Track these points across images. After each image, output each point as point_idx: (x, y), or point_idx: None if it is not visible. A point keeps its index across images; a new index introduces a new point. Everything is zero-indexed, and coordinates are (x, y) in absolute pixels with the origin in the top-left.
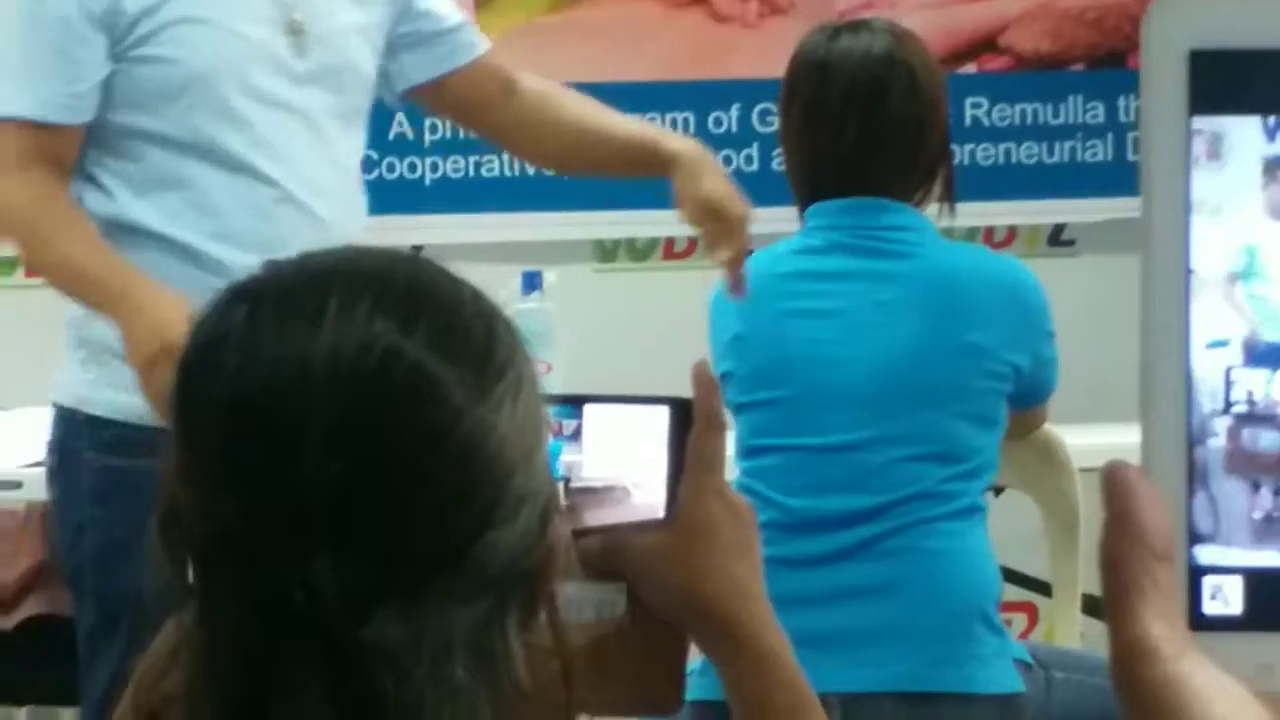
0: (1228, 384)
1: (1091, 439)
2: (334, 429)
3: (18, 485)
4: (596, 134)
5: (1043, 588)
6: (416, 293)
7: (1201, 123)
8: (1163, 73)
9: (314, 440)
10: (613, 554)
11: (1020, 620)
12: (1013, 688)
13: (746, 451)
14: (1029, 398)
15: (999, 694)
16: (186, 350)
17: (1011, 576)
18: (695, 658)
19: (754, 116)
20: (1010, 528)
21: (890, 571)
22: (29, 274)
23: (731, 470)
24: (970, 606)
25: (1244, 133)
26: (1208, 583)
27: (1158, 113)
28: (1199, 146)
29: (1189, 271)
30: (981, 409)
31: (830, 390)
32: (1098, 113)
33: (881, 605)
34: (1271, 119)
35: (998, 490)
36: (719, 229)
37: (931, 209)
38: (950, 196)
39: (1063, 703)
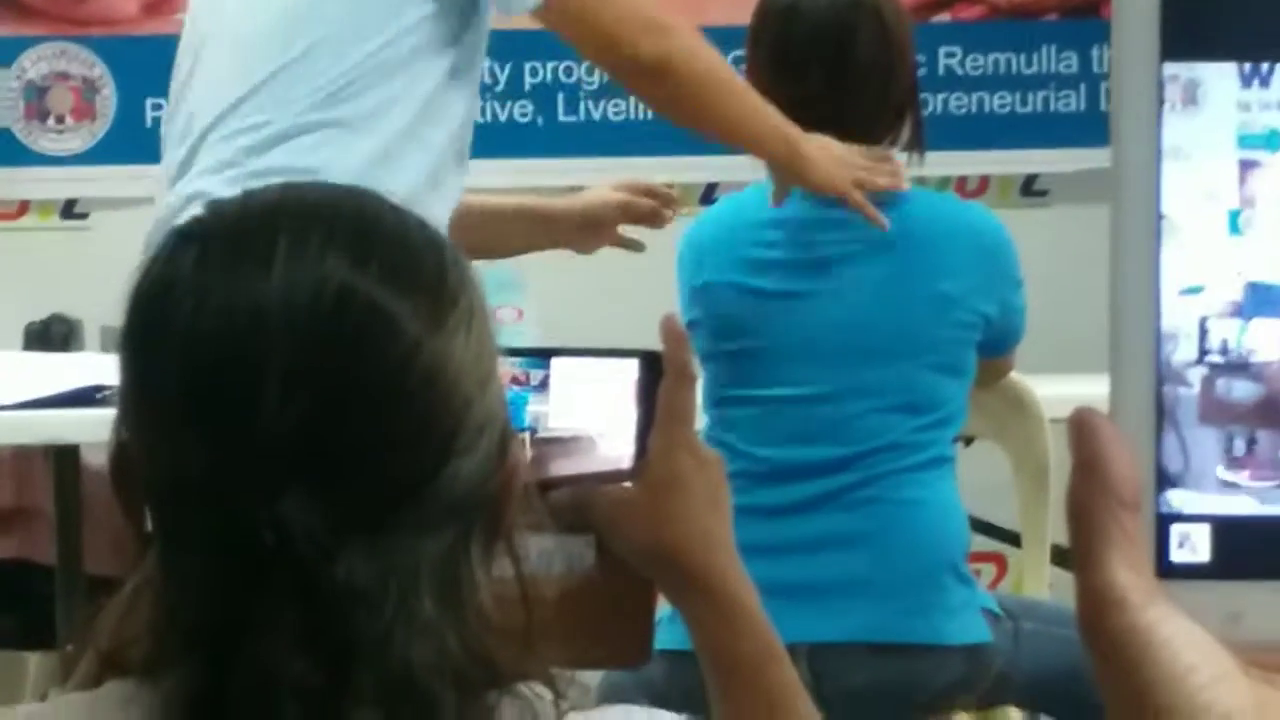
0: (1202, 332)
1: (1062, 389)
2: (292, 368)
3: None
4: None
5: (1012, 538)
6: (365, 227)
7: (1176, 69)
8: (1133, 17)
9: (273, 381)
10: (582, 507)
11: (989, 571)
12: (980, 638)
13: (716, 401)
14: (997, 345)
15: (967, 644)
16: (135, 295)
17: (980, 527)
18: (664, 607)
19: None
20: (980, 478)
21: (858, 522)
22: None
23: (700, 419)
24: (939, 557)
25: (1220, 79)
26: (1175, 530)
27: (1128, 58)
28: (1174, 93)
29: (1159, 218)
30: (950, 358)
31: (798, 341)
32: (1071, 63)
33: (849, 556)
34: (1247, 65)
35: (968, 440)
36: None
37: (900, 157)
38: (919, 144)
39: (1031, 653)
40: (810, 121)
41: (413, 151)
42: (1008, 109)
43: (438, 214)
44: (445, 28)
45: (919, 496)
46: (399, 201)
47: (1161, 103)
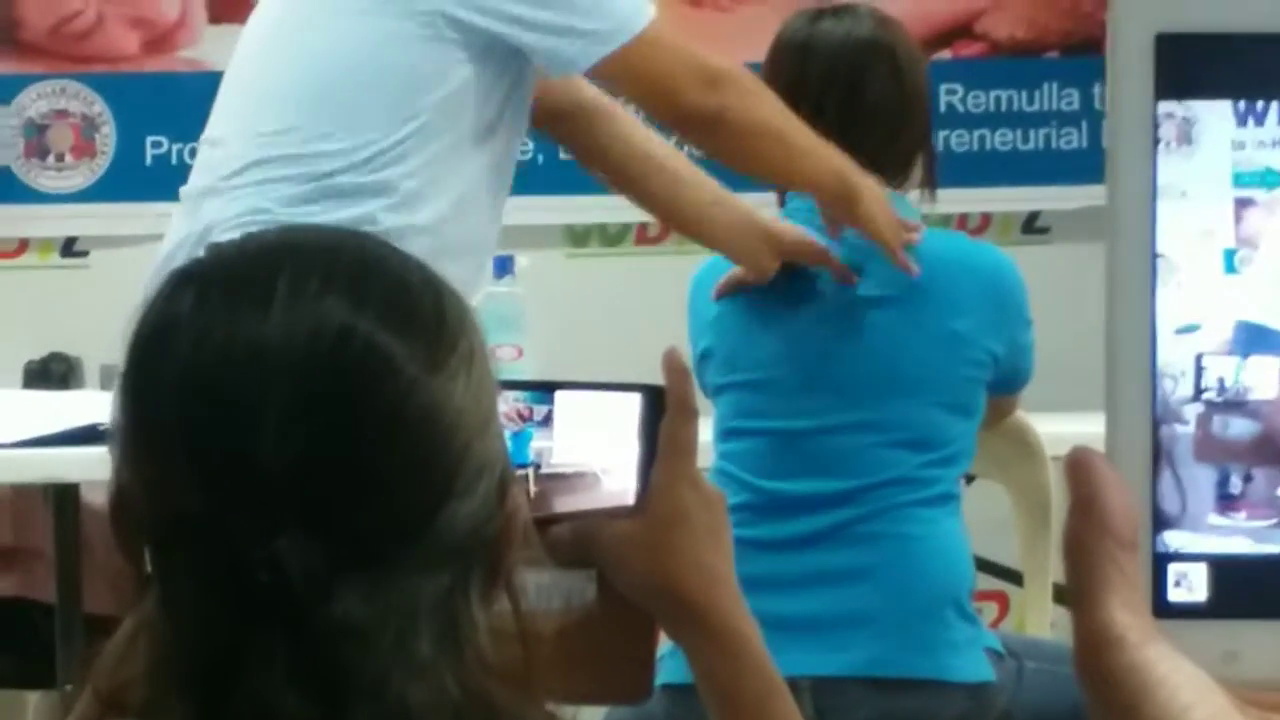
0: (1198, 370)
1: (1064, 427)
2: (290, 410)
3: None
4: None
5: (1014, 577)
6: (364, 268)
7: (1172, 107)
8: (1129, 57)
9: (271, 422)
10: (583, 542)
11: (991, 609)
12: (984, 677)
13: (724, 434)
14: (1005, 385)
15: (970, 682)
16: (135, 336)
17: (983, 565)
18: (665, 643)
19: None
20: (981, 516)
21: (863, 556)
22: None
23: (710, 453)
24: (943, 593)
25: (1215, 117)
26: (1173, 570)
27: (1124, 97)
28: (1170, 131)
29: (1155, 256)
30: (959, 397)
31: (807, 375)
32: (1072, 100)
33: (854, 590)
34: (1242, 103)
35: (969, 478)
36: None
37: (914, 195)
38: (932, 182)
39: (1034, 692)
40: None
41: (448, 208)
42: (1009, 146)
43: (461, 271)
44: (485, 91)
45: (924, 532)
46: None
47: (1157, 141)
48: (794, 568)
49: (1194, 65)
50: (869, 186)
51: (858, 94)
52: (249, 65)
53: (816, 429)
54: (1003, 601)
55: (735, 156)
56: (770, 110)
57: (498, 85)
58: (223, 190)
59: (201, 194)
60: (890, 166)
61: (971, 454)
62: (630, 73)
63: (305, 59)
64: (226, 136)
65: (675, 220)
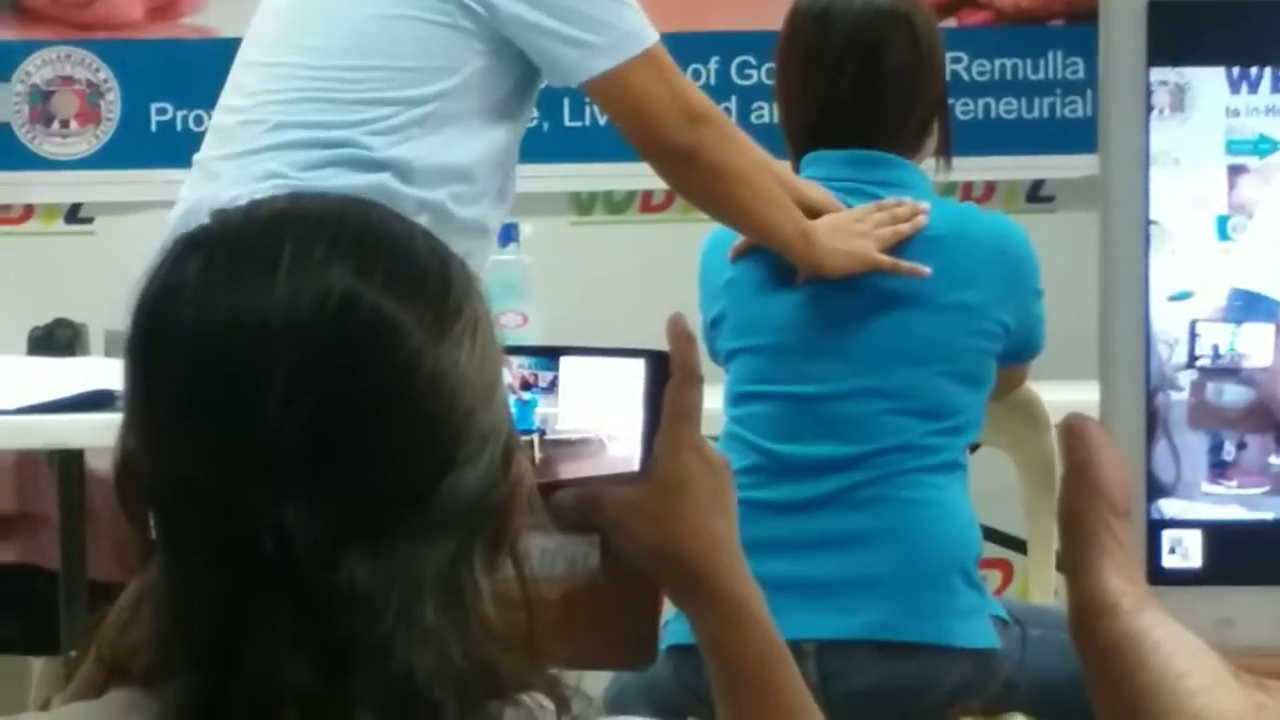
0: (1192, 337)
1: (1068, 395)
2: (296, 376)
3: None
4: None
5: (1018, 545)
6: (369, 236)
7: (1165, 74)
8: (1121, 23)
9: (277, 388)
10: (587, 507)
11: (995, 577)
12: (989, 643)
13: (736, 398)
14: (1015, 355)
15: (975, 649)
16: (141, 302)
17: (987, 533)
18: (670, 609)
19: (733, 69)
20: (986, 484)
21: (870, 520)
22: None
23: (721, 420)
24: (949, 560)
25: (1208, 84)
26: (1167, 536)
27: (1116, 64)
28: (1163, 98)
29: (1148, 224)
30: (969, 368)
31: (819, 341)
32: (1077, 68)
33: (860, 553)
34: (1236, 70)
35: (974, 447)
36: None
37: (928, 163)
38: (948, 152)
39: (1038, 660)
40: (839, 129)
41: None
42: (1014, 115)
43: (466, 248)
44: (498, 78)
45: (930, 498)
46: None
47: (1150, 109)
48: (802, 531)
49: (1186, 31)
50: (832, 230)
51: (877, 62)
52: (268, 39)
53: (827, 394)
54: (1006, 569)
55: (703, 197)
56: (745, 158)
57: (509, 75)
58: (241, 156)
59: (220, 159)
60: (906, 134)
61: (980, 424)
62: (619, 93)
63: (325, 35)
64: (245, 106)
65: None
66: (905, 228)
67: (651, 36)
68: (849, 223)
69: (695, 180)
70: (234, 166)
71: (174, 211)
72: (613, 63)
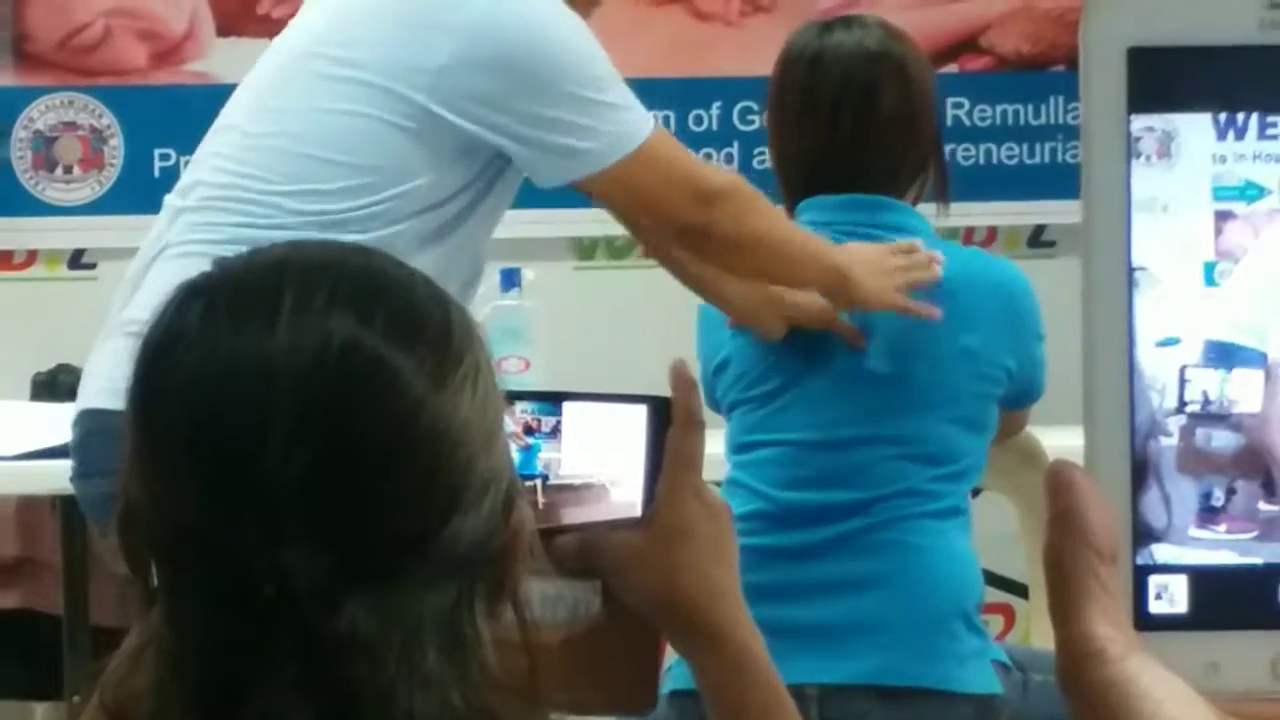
0: (1182, 382)
1: (1071, 440)
2: (297, 424)
3: None
4: None
5: (1019, 589)
6: (370, 283)
7: (1151, 120)
8: (1101, 70)
9: (278, 436)
10: (588, 552)
11: (997, 622)
12: (991, 689)
13: (738, 447)
14: (1017, 400)
15: (977, 694)
16: (142, 349)
17: (988, 578)
18: (672, 655)
19: (735, 115)
20: (987, 529)
21: (872, 565)
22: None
23: (723, 466)
24: (951, 604)
25: (1195, 131)
26: (1153, 582)
27: (1097, 110)
28: (1150, 145)
29: (1132, 269)
30: (971, 413)
31: (821, 388)
32: (1078, 114)
33: (862, 598)
34: (1222, 116)
35: (975, 491)
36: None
37: (929, 208)
38: (945, 194)
39: (1039, 705)
40: (835, 173)
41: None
42: (1015, 160)
43: None
44: (452, 185)
45: (932, 543)
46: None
47: (1132, 155)
48: (804, 576)
49: (1167, 78)
50: (860, 264)
51: (872, 105)
52: (238, 112)
53: (829, 440)
54: (1008, 614)
55: (723, 265)
56: (762, 221)
57: (468, 187)
58: (184, 213)
59: (176, 212)
60: (903, 177)
61: (982, 469)
62: (617, 188)
63: (290, 116)
64: (202, 176)
65: (682, 275)
66: (923, 275)
67: (647, 128)
68: (877, 258)
69: (713, 254)
70: (177, 228)
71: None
72: (607, 164)
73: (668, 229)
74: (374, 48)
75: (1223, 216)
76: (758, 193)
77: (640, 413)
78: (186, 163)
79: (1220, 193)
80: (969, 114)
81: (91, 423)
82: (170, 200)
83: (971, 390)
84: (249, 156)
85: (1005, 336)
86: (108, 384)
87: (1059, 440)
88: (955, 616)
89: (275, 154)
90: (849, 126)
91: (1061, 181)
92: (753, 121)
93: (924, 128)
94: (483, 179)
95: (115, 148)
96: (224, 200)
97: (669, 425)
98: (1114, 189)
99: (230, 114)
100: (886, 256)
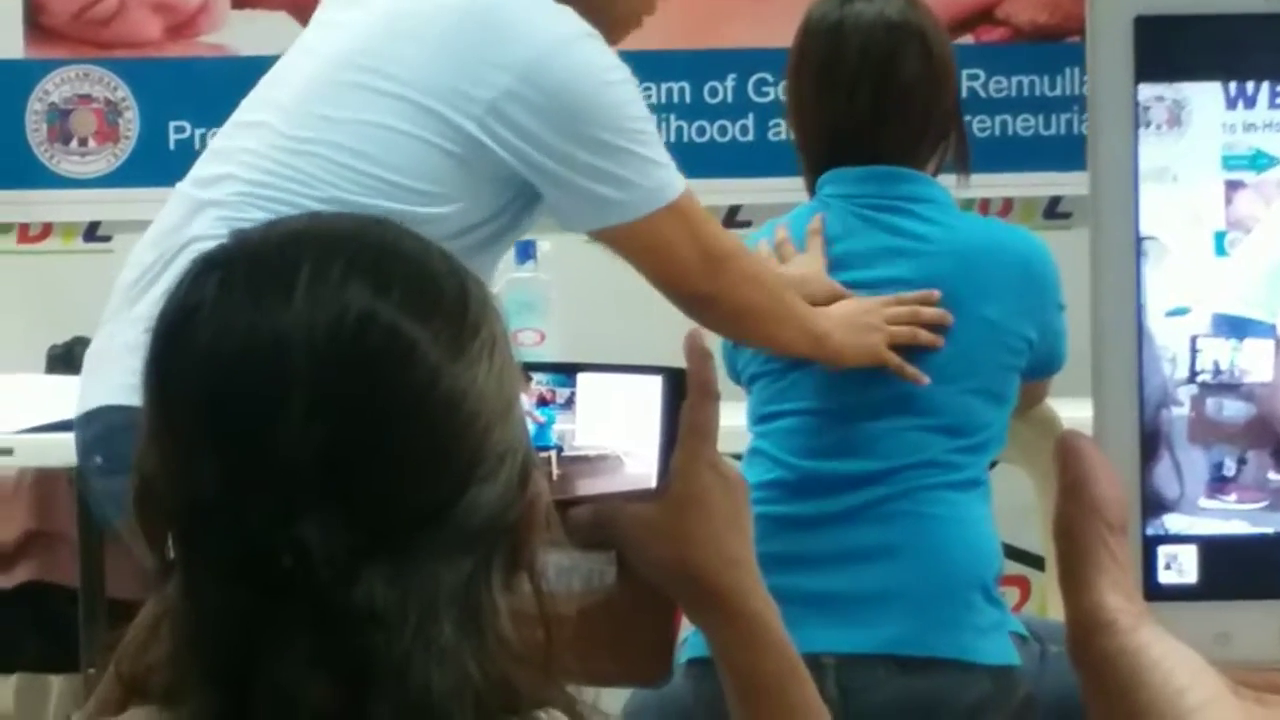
0: (1193, 352)
1: (1086, 412)
2: (314, 395)
3: (9, 452)
4: None
5: (1036, 561)
6: (387, 254)
7: (1160, 90)
8: (1108, 39)
9: (295, 407)
10: (603, 524)
11: (1013, 594)
12: (1008, 660)
13: (759, 418)
14: (1038, 370)
15: (995, 665)
16: (159, 322)
17: (1005, 550)
18: (687, 625)
19: (750, 86)
20: (1004, 501)
21: (891, 534)
22: None
23: (741, 439)
24: (970, 575)
25: (1205, 99)
26: (1163, 552)
27: (1104, 80)
28: (1160, 114)
29: (1140, 239)
30: (992, 384)
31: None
32: None
33: (881, 568)
34: (1233, 85)
35: (992, 463)
36: None
37: (949, 179)
38: (965, 165)
39: (1056, 677)
40: (856, 144)
41: None
42: (1031, 131)
43: None
44: (510, 216)
45: (952, 514)
46: None
47: (1139, 125)
48: (823, 545)
49: (1174, 47)
50: (842, 323)
51: (892, 76)
52: (271, 110)
53: (849, 409)
54: (1025, 586)
55: (724, 332)
56: (762, 293)
57: (496, 216)
58: (211, 206)
59: (200, 204)
60: (924, 147)
61: (1003, 441)
62: (635, 242)
63: (333, 126)
64: (233, 170)
65: None
66: (925, 336)
67: (678, 187)
68: (859, 315)
69: (714, 319)
70: (204, 219)
71: (147, 235)
72: (632, 217)
73: (675, 293)
74: (423, 68)
75: (1233, 186)
76: (757, 255)
77: (655, 384)
78: (202, 136)
79: (1230, 162)
80: (985, 85)
81: (117, 418)
82: (189, 190)
83: (993, 361)
84: (287, 159)
85: (1026, 307)
86: (135, 380)
87: (1077, 412)
88: (974, 587)
89: (316, 160)
90: (868, 97)
91: (1077, 153)
92: (767, 94)
93: (944, 98)
94: (509, 211)
95: (130, 120)
96: (259, 199)
97: (684, 397)
98: (1121, 158)
99: (261, 110)
100: (873, 311)
